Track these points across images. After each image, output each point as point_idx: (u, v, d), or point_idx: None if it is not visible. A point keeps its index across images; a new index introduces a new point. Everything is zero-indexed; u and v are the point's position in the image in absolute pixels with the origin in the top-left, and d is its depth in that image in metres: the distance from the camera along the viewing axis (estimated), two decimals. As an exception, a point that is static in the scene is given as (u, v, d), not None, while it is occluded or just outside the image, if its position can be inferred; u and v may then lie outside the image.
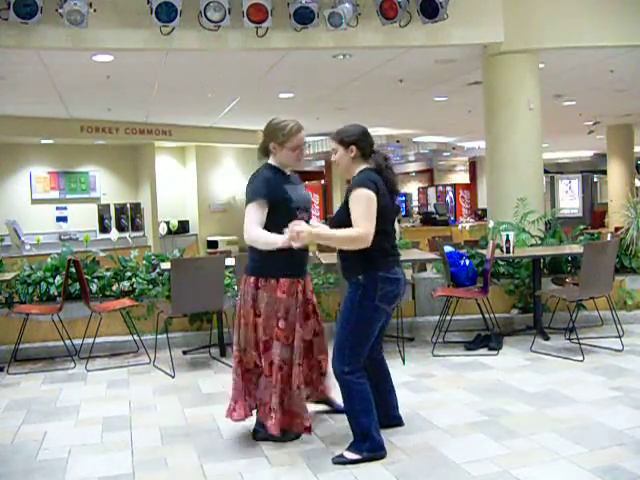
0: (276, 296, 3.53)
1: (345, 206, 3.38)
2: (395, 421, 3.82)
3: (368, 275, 3.37)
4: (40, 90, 9.13)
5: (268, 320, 3.56)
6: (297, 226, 3.29)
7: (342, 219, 3.38)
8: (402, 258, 3.73)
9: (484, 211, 13.41)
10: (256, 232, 3.47)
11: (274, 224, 3.46)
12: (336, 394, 3.76)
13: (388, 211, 3.43)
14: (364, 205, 3.29)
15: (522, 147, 7.50)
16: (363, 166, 3.47)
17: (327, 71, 8.67)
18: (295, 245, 3.32)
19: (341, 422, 3.85)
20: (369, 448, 3.38)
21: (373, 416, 3.42)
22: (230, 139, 14.68)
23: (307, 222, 3.48)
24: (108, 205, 13.72)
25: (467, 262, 6.16)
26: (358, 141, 3.44)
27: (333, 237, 3.39)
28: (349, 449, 3.41)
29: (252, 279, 3.58)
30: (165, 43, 6.47)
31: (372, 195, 3.29)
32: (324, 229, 3.48)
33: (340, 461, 3.37)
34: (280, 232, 3.38)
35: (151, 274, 6.39)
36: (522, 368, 5.09)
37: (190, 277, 5.25)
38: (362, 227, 3.26)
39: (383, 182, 3.42)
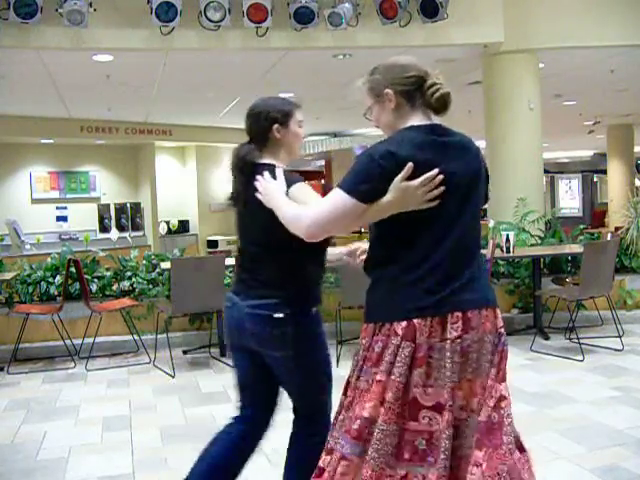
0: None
1: None
2: None
3: None
4: (40, 90, 9.11)
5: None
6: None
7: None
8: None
9: (484, 211, 13.40)
10: None
11: None
12: None
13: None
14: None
15: (522, 147, 7.49)
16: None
17: (327, 71, 8.66)
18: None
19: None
20: None
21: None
22: (230, 139, 14.63)
23: None
24: (108, 205, 13.72)
25: (467, 262, 6.15)
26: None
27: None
28: None
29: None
30: (165, 43, 6.46)
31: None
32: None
33: None
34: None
35: (151, 274, 6.39)
36: (522, 368, 5.09)
37: (190, 277, 5.24)
38: None
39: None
